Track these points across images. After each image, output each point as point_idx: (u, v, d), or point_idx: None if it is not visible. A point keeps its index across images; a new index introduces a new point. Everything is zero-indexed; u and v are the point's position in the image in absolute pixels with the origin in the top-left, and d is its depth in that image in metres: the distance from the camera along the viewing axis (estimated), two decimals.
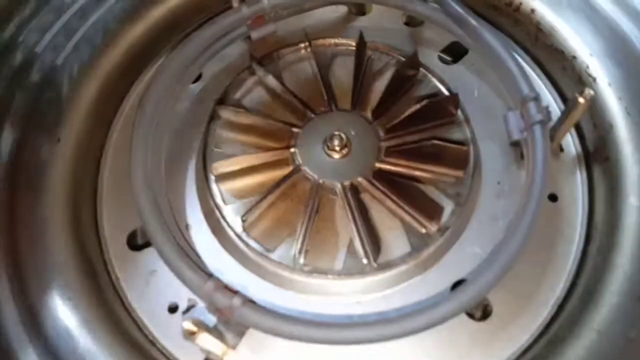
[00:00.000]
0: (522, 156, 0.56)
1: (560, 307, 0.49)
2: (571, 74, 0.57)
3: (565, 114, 0.52)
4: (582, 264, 0.51)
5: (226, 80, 0.61)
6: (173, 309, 0.50)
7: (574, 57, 0.57)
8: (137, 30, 0.61)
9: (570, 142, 0.57)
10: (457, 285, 0.51)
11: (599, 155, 0.54)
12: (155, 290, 0.51)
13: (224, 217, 0.53)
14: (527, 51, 0.61)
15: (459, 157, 0.54)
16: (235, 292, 0.44)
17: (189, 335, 0.44)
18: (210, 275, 0.45)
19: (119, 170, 0.57)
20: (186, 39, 0.58)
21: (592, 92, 0.48)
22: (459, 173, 0.54)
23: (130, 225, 0.54)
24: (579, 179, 0.56)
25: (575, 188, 0.55)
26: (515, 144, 0.55)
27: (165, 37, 0.63)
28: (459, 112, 0.57)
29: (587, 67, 0.55)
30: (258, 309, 0.44)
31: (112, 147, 0.58)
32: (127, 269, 0.52)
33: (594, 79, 0.55)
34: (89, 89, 0.57)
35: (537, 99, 0.51)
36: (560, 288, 0.51)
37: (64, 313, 0.47)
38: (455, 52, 0.63)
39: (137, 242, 0.54)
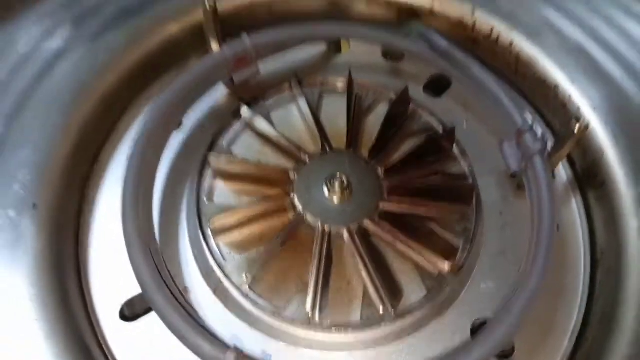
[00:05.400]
0: (519, 186, 0.56)
1: (580, 335, 0.49)
2: (555, 103, 0.59)
3: (559, 143, 0.53)
4: (593, 289, 0.52)
5: (212, 126, 0.57)
6: None
7: (557, 87, 0.58)
8: (110, 79, 0.57)
9: (561, 169, 0.58)
10: (478, 325, 0.49)
11: (594, 180, 0.55)
12: None
13: (226, 276, 0.49)
14: (509, 82, 0.62)
15: (463, 192, 0.54)
16: None
17: None
18: (227, 346, 0.41)
19: (102, 235, 0.52)
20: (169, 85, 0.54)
21: (587, 121, 0.49)
22: (465, 208, 0.53)
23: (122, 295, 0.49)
24: (575, 204, 0.57)
25: (573, 214, 0.56)
26: (513, 175, 0.55)
27: (140, 86, 0.59)
28: (454, 147, 0.57)
29: (570, 96, 0.57)
30: None
31: (91, 207, 0.53)
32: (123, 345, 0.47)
33: (578, 108, 0.57)
34: (63, 145, 0.52)
35: (532, 129, 0.52)
36: (576, 317, 0.51)
37: None
38: (437, 86, 0.64)
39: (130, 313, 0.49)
